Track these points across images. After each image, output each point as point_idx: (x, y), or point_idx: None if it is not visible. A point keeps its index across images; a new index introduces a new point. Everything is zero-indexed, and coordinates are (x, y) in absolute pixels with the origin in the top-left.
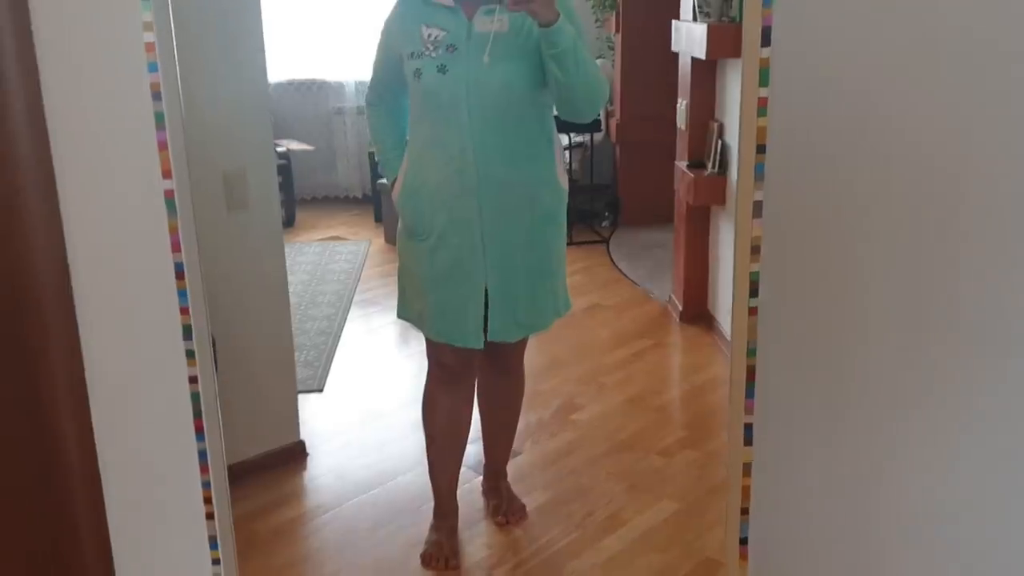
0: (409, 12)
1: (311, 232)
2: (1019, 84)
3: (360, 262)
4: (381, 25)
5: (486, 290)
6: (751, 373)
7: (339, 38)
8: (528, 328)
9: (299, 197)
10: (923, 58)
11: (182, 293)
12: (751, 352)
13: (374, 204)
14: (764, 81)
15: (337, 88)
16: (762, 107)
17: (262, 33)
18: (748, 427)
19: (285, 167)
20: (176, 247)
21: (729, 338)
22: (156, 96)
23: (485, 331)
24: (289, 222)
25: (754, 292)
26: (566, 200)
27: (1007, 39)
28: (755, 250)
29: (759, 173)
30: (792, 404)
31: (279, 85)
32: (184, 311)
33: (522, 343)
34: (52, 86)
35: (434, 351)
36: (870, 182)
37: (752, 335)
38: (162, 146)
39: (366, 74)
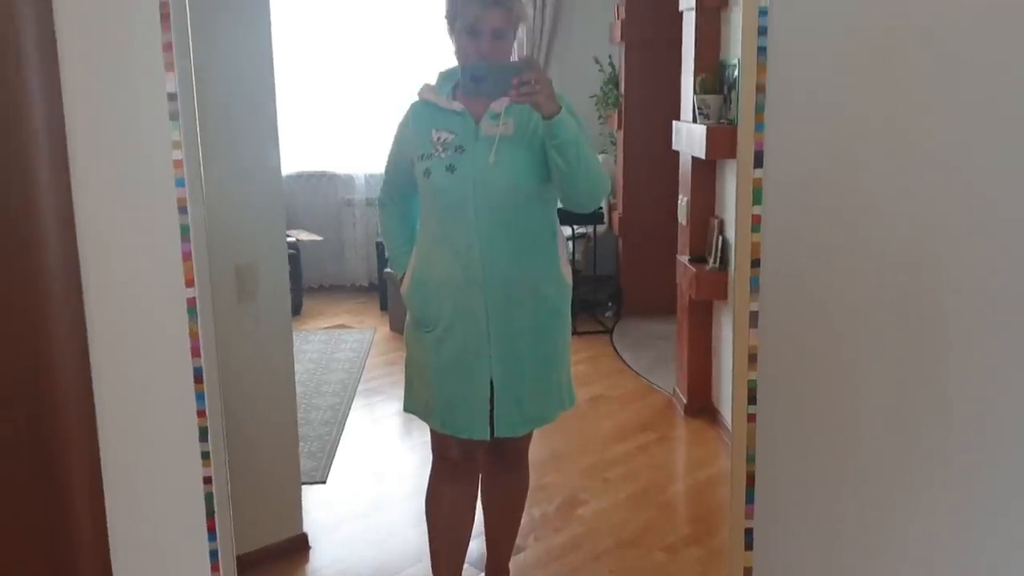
0: (421, 117)
1: (317, 320)
2: (997, 196)
3: (365, 350)
4: (391, 123)
5: (492, 383)
6: (751, 479)
7: (349, 131)
8: (534, 421)
9: (306, 286)
10: (907, 177)
11: (199, 396)
12: (751, 458)
13: (380, 292)
14: (757, 200)
15: (347, 180)
16: (756, 224)
17: (277, 131)
18: (748, 532)
19: (294, 256)
20: (196, 352)
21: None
22: (182, 210)
23: (492, 424)
24: (296, 310)
25: (752, 399)
26: (570, 294)
27: (987, 157)
28: (752, 359)
29: (754, 286)
30: (791, 510)
31: (290, 176)
32: (201, 414)
33: (526, 437)
34: (83, 197)
35: (438, 444)
36: (860, 294)
37: (751, 441)
38: (186, 257)
39: (375, 167)
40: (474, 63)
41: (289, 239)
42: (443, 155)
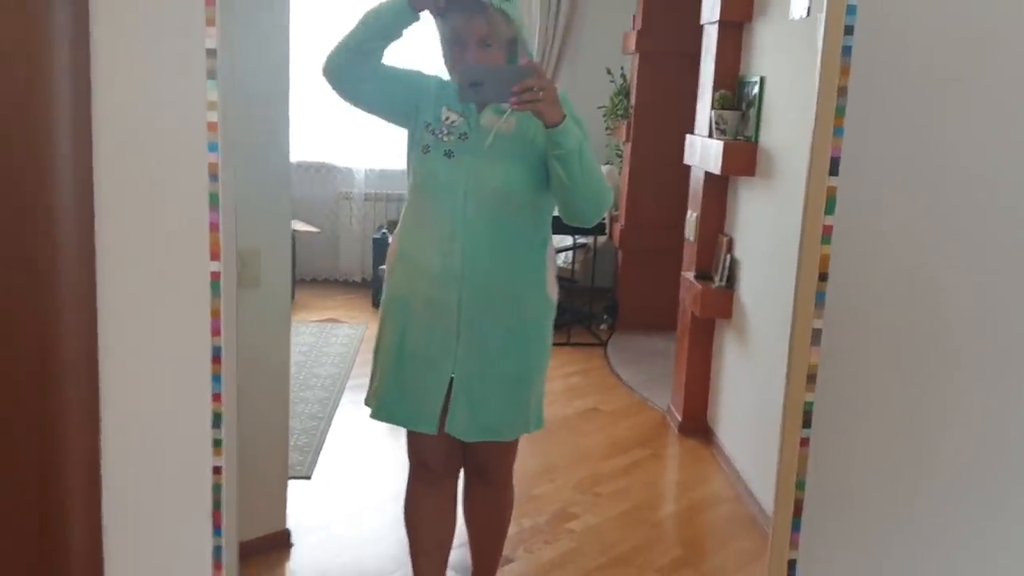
0: (437, 88)
1: (308, 312)
2: None
3: (356, 346)
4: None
5: (451, 381)
6: (798, 507)
7: (352, 124)
8: (491, 433)
9: (299, 277)
10: (997, 191)
11: (216, 378)
12: (800, 485)
13: (373, 288)
14: (830, 209)
15: (346, 173)
16: (826, 235)
17: (289, 118)
18: (792, 564)
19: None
20: (216, 331)
21: (728, 453)
22: (213, 177)
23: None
24: None
25: (807, 422)
26: (553, 313)
27: None
28: (811, 379)
29: (820, 301)
30: (842, 543)
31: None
32: (216, 398)
33: (506, 455)
34: (105, 153)
35: (414, 449)
36: (935, 316)
37: (802, 467)
38: (213, 227)
39: (376, 162)
40: (471, 66)
41: None
42: (446, 138)
